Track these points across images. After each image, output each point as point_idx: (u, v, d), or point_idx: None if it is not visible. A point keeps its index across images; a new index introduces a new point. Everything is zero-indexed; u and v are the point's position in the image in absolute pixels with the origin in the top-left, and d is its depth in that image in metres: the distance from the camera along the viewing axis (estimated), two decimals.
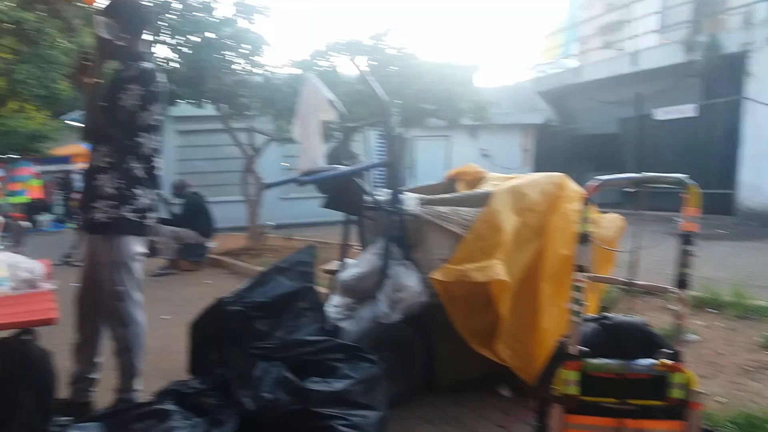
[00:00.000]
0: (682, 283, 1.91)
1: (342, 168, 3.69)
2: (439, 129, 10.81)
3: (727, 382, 3.67)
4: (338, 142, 4.06)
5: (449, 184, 4.75)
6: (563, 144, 17.60)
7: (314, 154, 3.66)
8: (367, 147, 4.39)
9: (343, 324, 3.85)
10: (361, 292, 3.86)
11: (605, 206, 4.47)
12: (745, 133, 11.47)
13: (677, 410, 1.91)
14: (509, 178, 4.19)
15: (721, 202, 12.13)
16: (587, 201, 2.08)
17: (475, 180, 4.57)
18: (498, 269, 3.46)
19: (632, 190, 2.08)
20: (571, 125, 17.52)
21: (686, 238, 1.92)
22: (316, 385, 3.08)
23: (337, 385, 3.13)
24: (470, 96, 9.74)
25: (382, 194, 3.87)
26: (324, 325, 3.80)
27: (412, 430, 3.48)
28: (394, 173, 3.75)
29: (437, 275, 3.57)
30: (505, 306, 3.56)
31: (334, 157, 3.85)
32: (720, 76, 12.26)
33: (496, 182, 4.14)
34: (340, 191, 3.72)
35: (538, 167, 17.72)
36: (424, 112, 9.64)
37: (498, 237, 3.57)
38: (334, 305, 4.05)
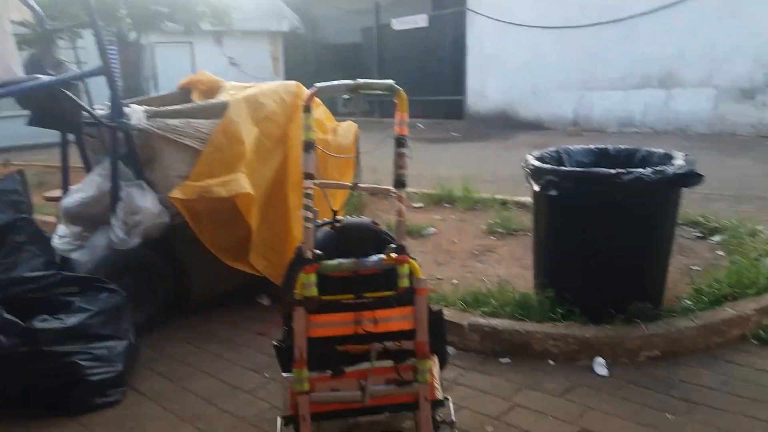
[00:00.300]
0: (399, 183, 2.02)
1: (44, 78, 3.12)
2: (181, 35, 9.93)
3: (459, 266, 4.07)
4: (40, 47, 3.42)
5: (183, 95, 4.38)
6: (312, 53, 17.61)
7: (6, 61, 3.04)
8: (78, 53, 3.73)
9: (74, 255, 3.44)
10: (89, 218, 3.45)
11: (354, 116, 4.52)
12: (469, 43, 12.51)
13: (407, 297, 2.04)
14: (246, 87, 3.99)
15: (453, 108, 13.31)
16: (307, 108, 2.06)
17: (211, 89, 4.27)
18: (242, 182, 3.33)
19: (348, 96, 2.10)
20: (317, 34, 17.52)
21: (399, 141, 2.00)
22: (46, 323, 2.83)
23: (72, 320, 2.92)
24: None
25: (102, 107, 3.41)
26: (50, 258, 3.40)
27: (169, 352, 3.34)
28: (111, 83, 3.28)
29: (177, 194, 3.32)
30: (255, 218, 3.48)
31: (35, 66, 3.24)
32: None
33: (233, 91, 3.91)
34: (47, 105, 3.17)
35: (289, 76, 17.59)
36: (158, 15, 8.76)
37: (238, 149, 3.41)
38: (60, 236, 3.58)
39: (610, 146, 3.51)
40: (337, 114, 4.38)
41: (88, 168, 3.65)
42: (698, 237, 4.31)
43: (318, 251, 2.03)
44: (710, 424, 2.39)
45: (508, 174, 6.59)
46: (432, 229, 4.84)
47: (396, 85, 2.04)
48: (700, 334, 2.96)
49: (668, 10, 9.38)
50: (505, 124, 11.59)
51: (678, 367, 2.82)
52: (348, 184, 2.21)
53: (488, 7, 11.93)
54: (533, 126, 11.16)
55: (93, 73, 3.31)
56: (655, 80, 9.68)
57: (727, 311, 3.05)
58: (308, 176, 2.06)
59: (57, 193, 3.91)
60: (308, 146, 2.07)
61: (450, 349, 3.08)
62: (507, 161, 7.62)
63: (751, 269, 3.40)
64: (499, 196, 5.49)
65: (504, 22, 11.61)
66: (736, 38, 8.74)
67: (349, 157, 2.08)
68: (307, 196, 2.04)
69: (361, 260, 2.04)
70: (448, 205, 5.59)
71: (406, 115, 2.05)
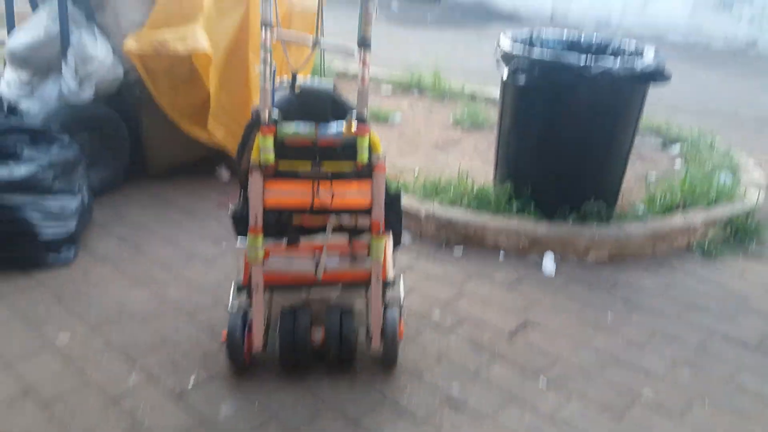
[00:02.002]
0: (363, 41, 1.86)
1: None
2: None
3: (423, 156, 4.03)
4: None
5: None
6: None
7: None
8: None
9: (23, 103, 3.23)
10: (38, 63, 3.22)
11: None
12: None
13: (365, 171, 2.00)
14: None
15: None
16: None
17: None
18: (200, 38, 3.10)
19: None
20: None
21: None
22: None
23: (21, 170, 2.79)
24: None
25: None
26: None
27: (125, 215, 3.27)
28: None
29: (132, 46, 3.09)
30: (213, 81, 3.29)
31: None
32: None
33: None
34: None
35: None
36: None
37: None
38: (7, 81, 3.35)
39: (583, 35, 3.42)
40: None
41: (34, 5, 3.37)
42: (659, 145, 4.35)
43: (275, 113, 1.94)
44: (646, 325, 2.50)
45: (478, 66, 6.42)
46: (399, 117, 4.73)
47: None
48: (648, 239, 3.04)
49: None
50: (481, 13, 11.19)
51: (624, 270, 2.91)
52: (309, 37, 2.06)
53: None
54: (510, 17, 10.80)
55: None
56: None
57: (677, 220, 3.13)
58: (266, 25, 1.89)
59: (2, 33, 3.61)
60: None
61: (406, 236, 3.10)
62: (479, 52, 7.41)
63: (705, 181, 3.46)
64: (468, 88, 5.36)
65: None
66: None
67: (314, 12, 1.95)
68: (264, 48, 1.89)
69: (320, 127, 1.95)
70: (416, 93, 5.45)
71: None
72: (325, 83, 2.19)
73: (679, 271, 2.92)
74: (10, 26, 3.41)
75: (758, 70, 7.28)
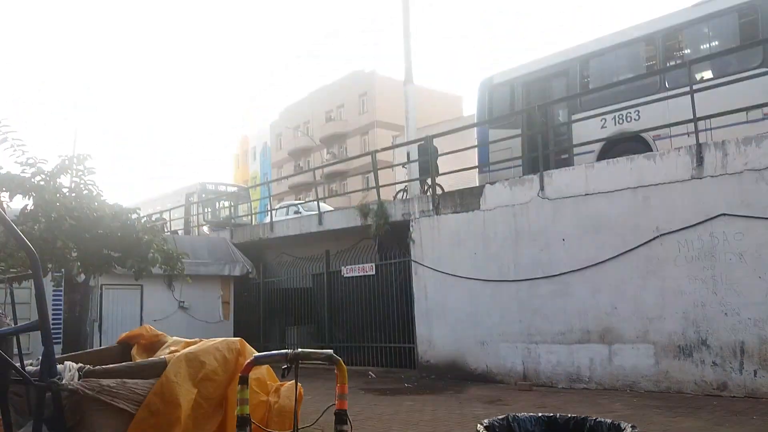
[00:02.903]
0: None
1: None
2: (131, 278, 9.83)
3: None
4: None
5: (123, 349, 4.18)
6: (263, 296, 17.72)
7: None
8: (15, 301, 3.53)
9: None
10: None
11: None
12: (414, 291, 12.83)
13: None
14: (189, 343, 3.87)
15: (405, 356, 13.15)
16: (243, 380, 1.98)
17: (152, 344, 4.11)
18: None
19: (286, 366, 2.09)
20: (269, 278, 17.82)
21: (339, 417, 1.91)
22: None
23: None
24: (160, 245, 9.13)
25: (34, 364, 3.20)
26: None
27: None
28: (46, 340, 3.10)
29: None
30: None
31: None
32: (391, 239, 13.84)
33: (174, 347, 3.77)
34: None
35: (238, 319, 17.42)
36: (109, 260, 8.74)
37: (174, 413, 3.15)
38: None
39: (558, 414, 3.44)
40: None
41: (9, 431, 3.29)
42: None
43: None
44: None
45: None
46: None
47: (335, 356, 2.05)
48: None
49: (595, 268, 9.91)
50: (456, 375, 11.42)
51: None
52: None
53: (429, 261, 12.49)
54: (484, 377, 11.00)
55: (29, 329, 3.15)
56: (596, 335, 9.88)
57: None
58: None
59: None
60: (242, 423, 1.93)
61: None
62: (461, 419, 7.33)
63: None
64: None
65: (444, 273, 12.08)
66: (662, 297, 9.19)
67: (291, 409, 2.00)
68: None
69: None
70: None
71: (346, 386, 2.00)
72: None
73: None
74: None
75: (737, 413, 7.27)
